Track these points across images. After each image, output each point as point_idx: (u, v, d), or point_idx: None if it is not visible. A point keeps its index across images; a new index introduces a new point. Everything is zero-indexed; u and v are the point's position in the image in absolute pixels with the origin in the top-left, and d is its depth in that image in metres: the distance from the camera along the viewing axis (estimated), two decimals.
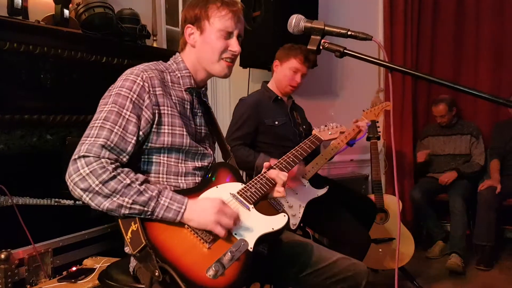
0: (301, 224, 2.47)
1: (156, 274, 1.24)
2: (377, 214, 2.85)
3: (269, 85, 2.78)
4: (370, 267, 3.12)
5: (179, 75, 1.59)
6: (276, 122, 2.63)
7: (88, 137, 1.35)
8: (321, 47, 1.29)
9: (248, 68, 3.56)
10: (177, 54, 1.65)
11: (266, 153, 2.48)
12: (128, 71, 1.49)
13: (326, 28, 1.28)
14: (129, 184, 1.32)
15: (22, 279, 1.94)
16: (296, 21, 1.33)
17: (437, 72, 4.63)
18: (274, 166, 1.75)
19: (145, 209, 1.32)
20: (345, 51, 1.26)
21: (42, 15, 2.29)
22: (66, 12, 2.32)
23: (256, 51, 3.32)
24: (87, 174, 1.28)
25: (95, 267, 2.04)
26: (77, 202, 2.37)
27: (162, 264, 1.24)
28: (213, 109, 3.58)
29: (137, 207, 1.31)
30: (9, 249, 1.90)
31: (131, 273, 1.56)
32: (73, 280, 1.91)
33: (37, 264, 2.00)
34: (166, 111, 1.48)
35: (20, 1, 2.11)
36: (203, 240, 1.35)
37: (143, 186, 1.34)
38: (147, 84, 1.45)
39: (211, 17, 1.54)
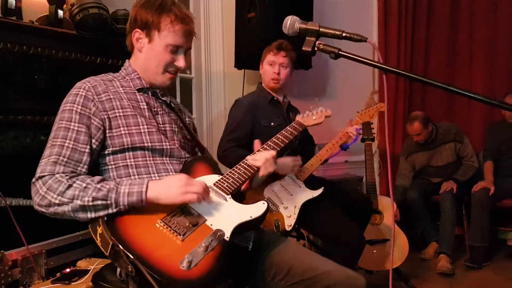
0: (296, 226, 2.47)
1: (129, 269, 1.23)
2: (372, 214, 2.85)
3: (263, 85, 2.79)
4: (364, 268, 3.13)
5: (129, 78, 1.61)
6: (272, 123, 2.64)
7: (43, 159, 1.40)
8: (316, 49, 1.29)
9: (243, 69, 3.57)
10: (126, 61, 1.67)
11: None
12: (72, 88, 1.53)
13: (320, 29, 1.29)
14: (85, 187, 1.34)
15: (15, 281, 1.93)
16: (291, 23, 1.33)
17: (431, 73, 4.66)
18: (263, 147, 1.75)
19: (108, 202, 1.33)
20: (339, 52, 1.26)
21: (36, 16, 2.28)
22: (60, 12, 2.31)
23: (251, 52, 3.32)
24: (45, 192, 1.33)
25: (89, 268, 2.03)
26: None
27: (133, 260, 1.22)
28: (208, 110, 3.62)
29: (99, 202, 1.32)
30: (2, 251, 1.90)
31: (119, 277, 1.55)
32: (66, 282, 1.91)
33: (30, 265, 1.99)
34: (117, 114, 1.50)
35: (14, 2, 2.10)
36: (177, 233, 1.33)
37: (100, 184, 1.35)
38: (90, 93, 1.49)
39: (162, 30, 1.54)
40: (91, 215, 1.34)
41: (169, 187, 1.36)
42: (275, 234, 1.71)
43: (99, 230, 1.34)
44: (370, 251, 3.05)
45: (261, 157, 1.63)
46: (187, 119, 1.84)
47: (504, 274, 3.51)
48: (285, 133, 1.98)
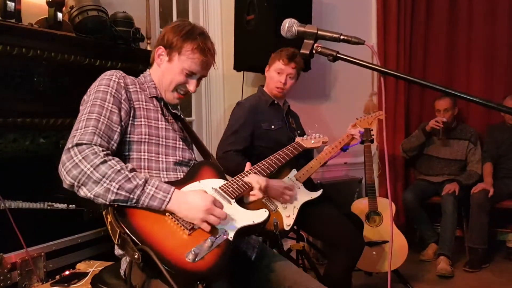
0: (295, 227, 2.47)
1: (136, 256, 1.26)
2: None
3: (264, 89, 2.80)
4: (364, 270, 3.13)
5: (146, 86, 1.69)
6: (273, 126, 2.65)
7: (77, 130, 1.43)
8: (314, 51, 1.30)
9: (242, 71, 3.57)
10: (147, 70, 1.77)
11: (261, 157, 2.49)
12: (101, 75, 1.59)
13: (319, 32, 1.29)
14: (119, 170, 1.37)
15: (14, 284, 1.93)
16: (289, 25, 1.34)
17: (430, 76, 4.66)
18: (253, 169, 1.80)
19: (131, 196, 1.36)
20: (337, 55, 1.26)
21: (35, 18, 2.28)
22: (60, 15, 2.31)
23: (250, 54, 3.33)
24: (80, 160, 1.35)
25: (88, 271, 2.02)
26: (70, 205, 2.36)
27: (142, 246, 1.27)
28: (207, 112, 3.63)
29: (123, 193, 1.35)
30: (1, 253, 1.89)
31: (123, 276, 1.56)
32: (66, 284, 1.90)
33: (29, 268, 1.98)
34: (141, 105, 1.60)
35: (13, 4, 2.10)
36: (184, 227, 1.39)
37: (132, 173, 1.39)
38: (121, 81, 1.57)
39: (182, 54, 1.64)
40: (109, 201, 1.35)
41: (192, 208, 1.40)
42: (277, 254, 1.75)
43: (109, 218, 1.37)
44: (369, 252, 3.05)
45: (256, 185, 1.67)
46: None
47: (503, 276, 3.52)
48: (286, 151, 2.15)
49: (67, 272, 2.03)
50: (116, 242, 1.35)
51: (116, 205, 1.36)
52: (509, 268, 3.68)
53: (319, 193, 2.52)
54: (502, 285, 3.35)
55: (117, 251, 1.60)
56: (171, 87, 1.67)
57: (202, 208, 1.39)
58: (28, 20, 2.22)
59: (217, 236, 1.38)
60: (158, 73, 1.71)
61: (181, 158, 1.64)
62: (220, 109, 3.66)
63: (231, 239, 1.42)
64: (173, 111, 1.76)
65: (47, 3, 2.28)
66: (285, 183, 2.47)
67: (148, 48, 2.84)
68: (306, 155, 2.84)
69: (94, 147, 1.38)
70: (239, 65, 3.50)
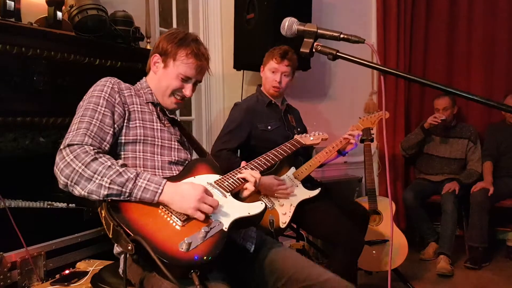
0: (294, 226, 2.47)
1: (129, 248, 1.28)
2: (369, 218, 2.85)
3: (262, 89, 2.79)
4: (364, 268, 3.13)
5: (142, 92, 1.74)
6: (269, 127, 2.65)
7: (70, 132, 1.49)
8: (314, 50, 1.30)
9: (242, 70, 3.57)
10: (143, 78, 1.81)
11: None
12: (96, 82, 1.64)
13: (318, 31, 1.30)
14: (109, 166, 1.40)
15: (14, 283, 1.93)
16: (289, 24, 1.34)
17: (430, 75, 4.66)
18: (249, 165, 1.81)
19: (123, 189, 1.38)
20: (337, 54, 1.26)
21: (35, 17, 2.28)
22: (59, 14, 2.30)
23: (250, 53, 3.32)
24: (71, 160, 1.39)
25: (88, 270, 2.03)
26: (70, 204, 2.36)
27: (134, 236, 1.28)
28: (207, 111, 3.63)
29: (115, 187, 1.37)
30: (1, 252, 1.89)
31: (121, 275, 1.56)
32: (66, 283, 1.90)
33: (29, 267, 1.98)
34: (135, 108, 1.64)
35: (13, 3, 2.10)
36: (177, 219, 1.40)
37: (123, 168, 1.41)
38: (116, 87, 1.65)
39: (177, 60, 1.69)
40: (103, 196, 1.38)
41: (184, 198, 1.42)
42: (277, 242, 1.74)
43: (103, 213, 1.39)
44: (369, 251, 3.05)
45: (252, 178, 1.67)
46: None
47: (503, 275, 3.52)
48: (284, 148, 2.15)
49: (67, 271, 2.04)
50: (110, 236, 1.36)
51: (109, 200, 1.38)
52: (509, 267, 3.68)
53: (317, 191, 2.52)
54: (502, 284, 3.35)
55: (116, 249, 1.60)
56: (167, 92, 1.71)
57: (194, 197, 1.41)
58: (27, 19, 2.22)
59: (211, 226, 1.39)
60: (155, 80, 1.75)
61: (176, 158, 1.66)
62: (219, 108, 3.66)
63: (225, 229, 1.42)
64: (170, 116, 1.79)
65: (47, 2, 2.28)
66: (278, 178, 2.47)
67: (148, 47, 2.83)
68: (305, 153, 2.84)
69: (85, 146, 1.42)
70: (239, 64, 3.50)
